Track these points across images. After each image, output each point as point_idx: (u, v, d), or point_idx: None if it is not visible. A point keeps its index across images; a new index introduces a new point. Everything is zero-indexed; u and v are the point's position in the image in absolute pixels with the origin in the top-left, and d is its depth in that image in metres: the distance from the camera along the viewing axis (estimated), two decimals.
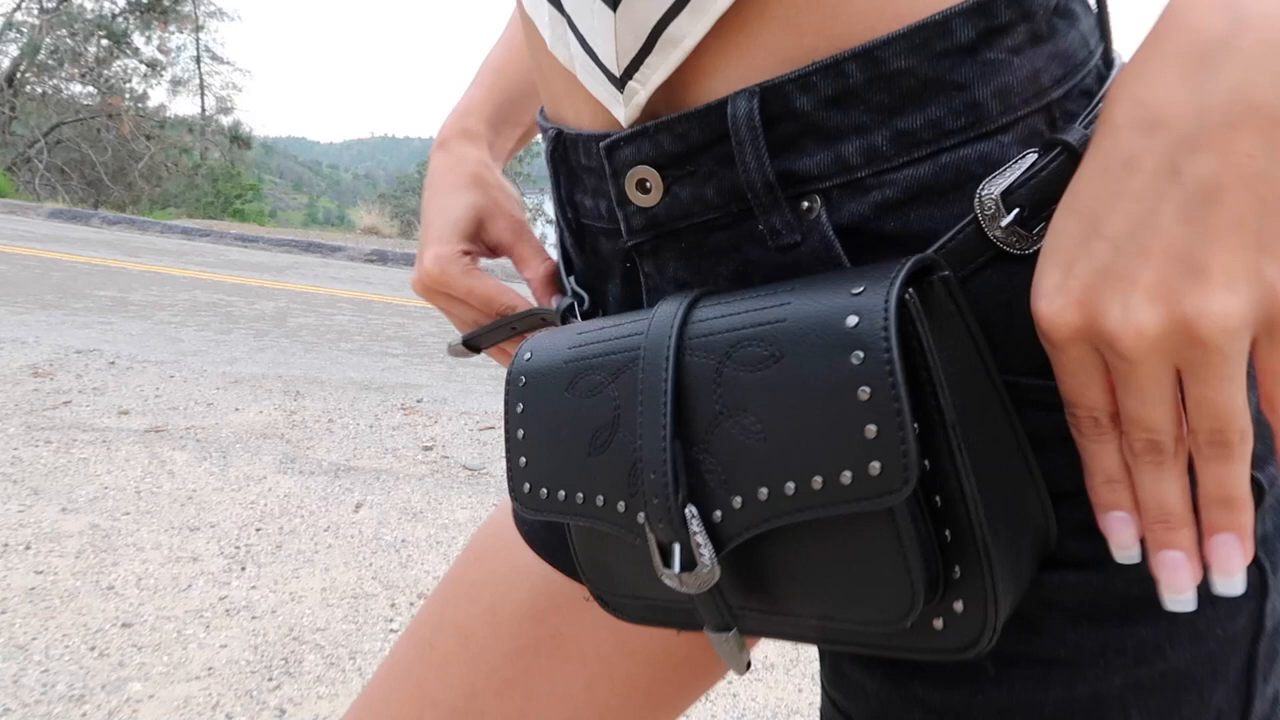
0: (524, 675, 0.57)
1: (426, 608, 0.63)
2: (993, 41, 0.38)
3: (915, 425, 0.33)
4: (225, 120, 25.07)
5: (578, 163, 0.47)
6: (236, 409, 3.46)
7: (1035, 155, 0.38)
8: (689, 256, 0.43)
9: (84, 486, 2.61)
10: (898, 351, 0.33)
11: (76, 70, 21.97)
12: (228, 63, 25.81)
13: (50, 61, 21.89)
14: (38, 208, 10.75)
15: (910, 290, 0.35)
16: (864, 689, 0.45)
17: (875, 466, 0.34)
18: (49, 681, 1.72)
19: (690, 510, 0.38)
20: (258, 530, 2.45)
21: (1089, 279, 0.34)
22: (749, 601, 0.40)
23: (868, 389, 0.34)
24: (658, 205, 0.42)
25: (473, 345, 0.61)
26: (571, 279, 0.51)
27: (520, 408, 0.45)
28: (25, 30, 21.94)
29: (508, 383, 0.45)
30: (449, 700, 0.58)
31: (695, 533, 0.38)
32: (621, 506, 0.40)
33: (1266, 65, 0.31)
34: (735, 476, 0.37)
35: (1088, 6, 0.42)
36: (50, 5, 21.94)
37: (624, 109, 0.42)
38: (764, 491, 0.36)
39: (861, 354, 0.34)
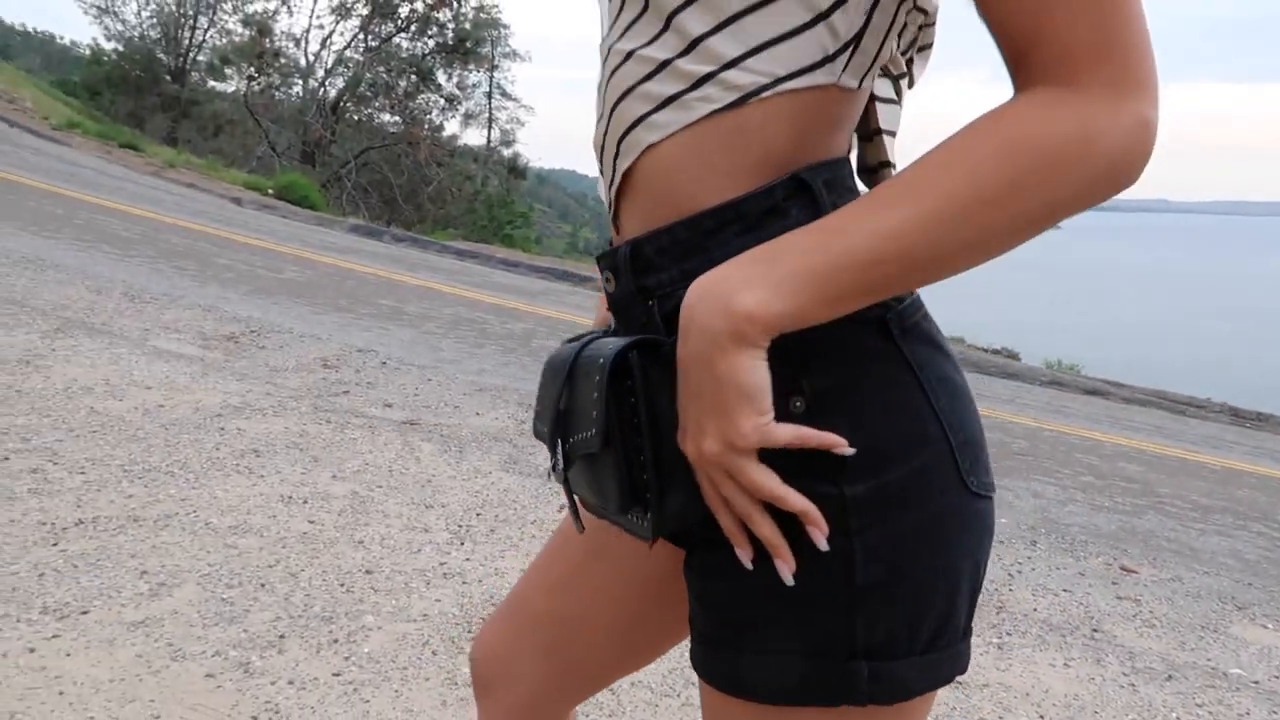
0: (588, 567, 0.92)
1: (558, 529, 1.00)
2: (724, 229, 0.66)
3: (635, 416, 0.66)
4: (506, 152, 27.26)
5: None
6: (477, 413, 4.00)
7: None
8: (620, 320, 0.74)
9: (350, 460, 3.18)
10: (607, 376, 0.64)
11: (388, 101, 24.78)
12: (515, 99, 28.15)
13: (368, 93, 24.83)
14: (341, 222, 12.35)
15: (634, 350, 0.65)
16: (688, 577, 0.75)
17: (593, 431, 0.66)
18: (309, 603, 2.21)
19: (558, 443, 0.71)
20: (478, 515, 2.90)
21: (685, 433, 0.64)
22: (583, 493, 0.73)
23: (596, 393, 0.65)
24: (614, 292, 0.73)
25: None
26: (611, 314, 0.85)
27: (540, 383, 0.79)
28: (351, 65, 24.99)
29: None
30: (554, 579, 0.94)
31: (556, 453, 0.71)
32: (549, 433, 0.74)
33: (703, 345, 0.61)
34: (570, 427, 0.70)
35: (811, 204, 0.65)
36: (374, 45, 24.89)
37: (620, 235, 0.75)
38: (573, 437, 0.69)
39: (598, 376, 0.65)
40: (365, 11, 24.43)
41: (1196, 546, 3.84)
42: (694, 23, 0.63)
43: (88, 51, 29.93)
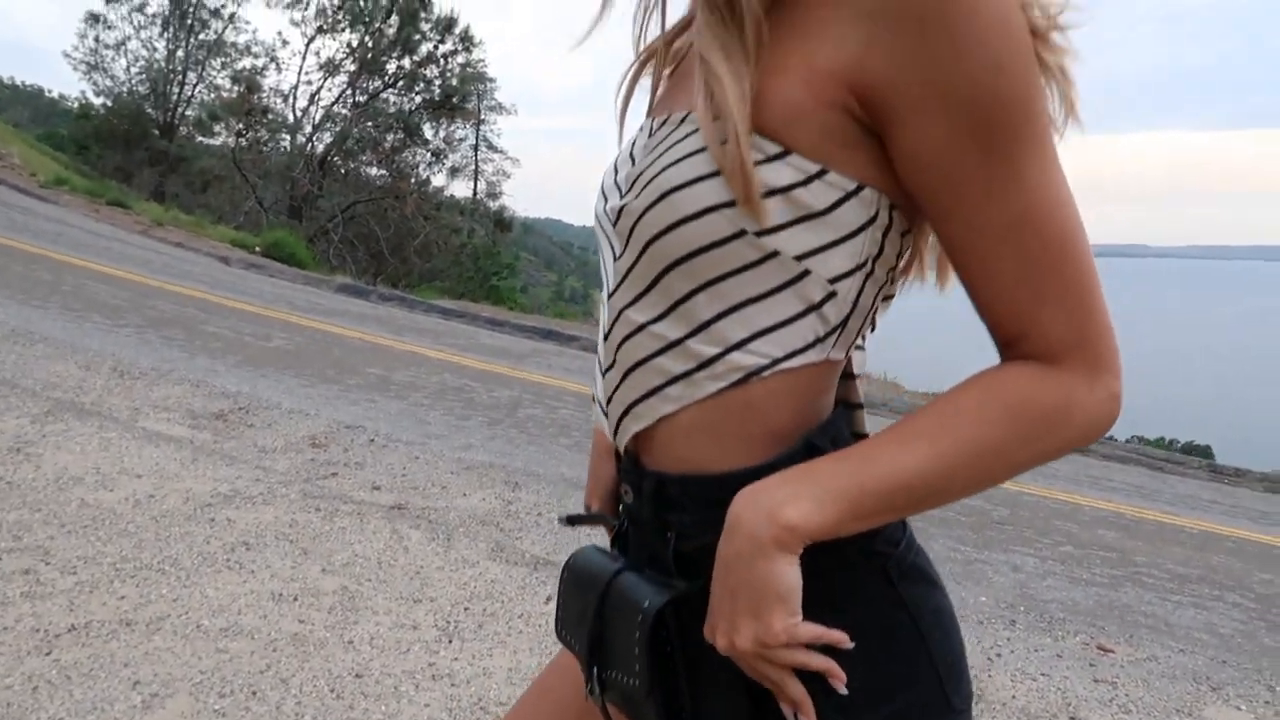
0: (578, 714, 0.97)
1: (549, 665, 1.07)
2: (727, 492, 0.74)
3: (672, 661, 0.76)
4: (492, 204, 27.48)
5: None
6: (464, 494, 4.05)
7: None
8: (635, 528, 0.84)
9: (340, 552, 3.22)
10: (648, 630, 0.74)
11: (375, 156, 25.03)
12: (500, 151, 28.41)
13: (355, 148, 25.07)
14: (329, 281, 12.42)
15: (669, 604, 0.75)
16: None
17: (637, 681, 0.76)
18: (300, 713, 2.24)
19: (594, 670, 0.79)
20: (466, 609, 2.95)
21: (716, 628, 0.73)
22: (616, 705, 0.82)
23: (637, 649, 0.75)
24: (631, 504, 0.83)
25: (570, 522, 1.02)
26: (625, 517, 0.91)
27: (561, 587, 0.86)
28: (339, 120, 25.23)
29: (563, 566, 0.87)
30: (550, 708, 0.99)
31: (592, 679, 0.80)
32: (584, 656, 0.83)
33: (748, 548, 0.69)
34: (608, 660, 0.78)
35: (828, 445, 0.74)
36: (361, 100, 25.15)
37: (621, 449, 0.84)
38: (610, 672, 0.78)
39: (637, 632, 0.75)
40: (353, 68, 24.77)
41: (1172, 621, 3.91)
42: (703, 309, 0.73)
43: (76, 105, 30.17)
